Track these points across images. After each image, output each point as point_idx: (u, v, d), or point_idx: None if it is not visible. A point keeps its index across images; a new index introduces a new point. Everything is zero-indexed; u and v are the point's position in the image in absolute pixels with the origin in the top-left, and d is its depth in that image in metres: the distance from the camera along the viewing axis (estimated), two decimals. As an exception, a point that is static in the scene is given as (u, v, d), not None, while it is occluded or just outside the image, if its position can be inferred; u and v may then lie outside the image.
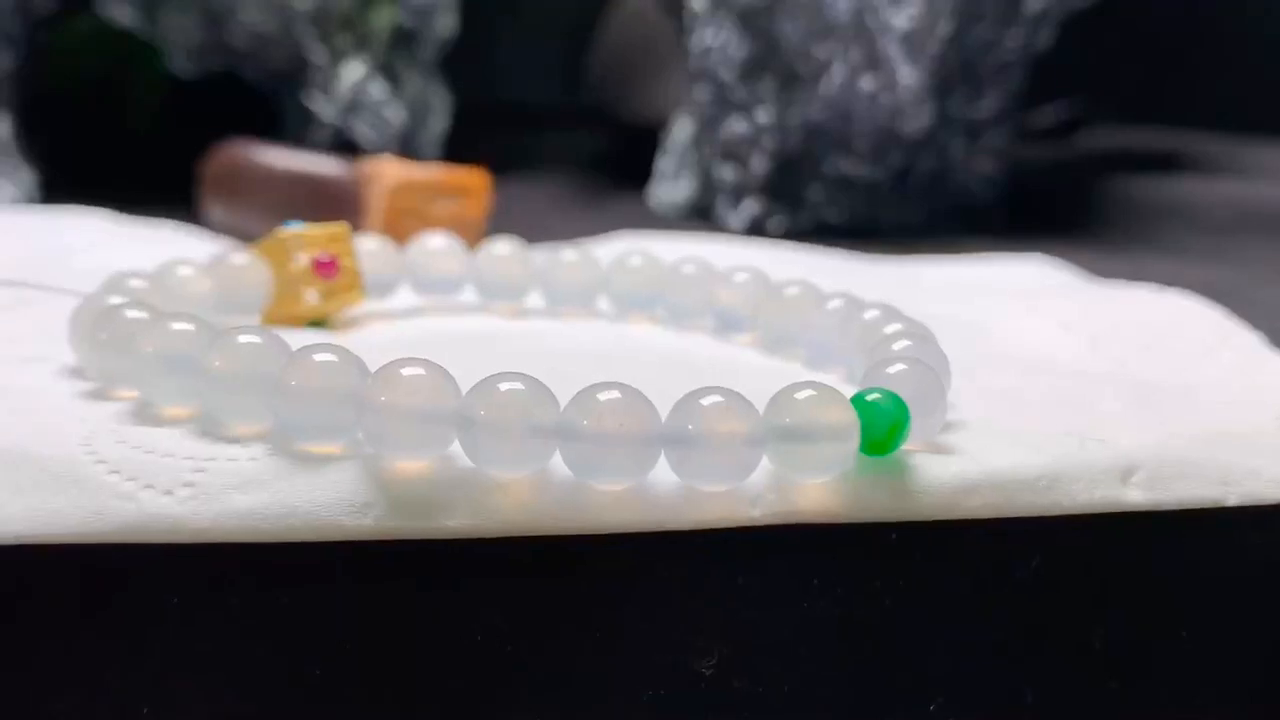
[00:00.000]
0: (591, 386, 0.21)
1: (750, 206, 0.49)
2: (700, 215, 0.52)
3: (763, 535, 0.22)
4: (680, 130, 0.54)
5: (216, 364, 0.23)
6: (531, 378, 0.21)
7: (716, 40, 0.48)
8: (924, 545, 0.22)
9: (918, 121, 0.47)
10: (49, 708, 0.21)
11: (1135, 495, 0.23)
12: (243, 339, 0.23)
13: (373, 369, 0.22)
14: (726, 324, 0.31)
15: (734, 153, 0.49)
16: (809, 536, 0.22)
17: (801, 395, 0.22)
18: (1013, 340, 0.32)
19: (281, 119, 0.52)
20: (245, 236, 0.41)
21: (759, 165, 0.48)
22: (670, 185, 0.54)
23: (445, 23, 0.51)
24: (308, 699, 0.21)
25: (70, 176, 0.50)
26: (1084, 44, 0.68)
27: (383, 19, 0.48)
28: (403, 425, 0.21)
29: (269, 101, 0.53)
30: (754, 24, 0.47)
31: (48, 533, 0.21)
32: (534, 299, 0.33)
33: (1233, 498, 0.23)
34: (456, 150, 0.55)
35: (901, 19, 0.45)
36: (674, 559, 0.22)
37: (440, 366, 0.22)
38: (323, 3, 0.48)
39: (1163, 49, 0.74)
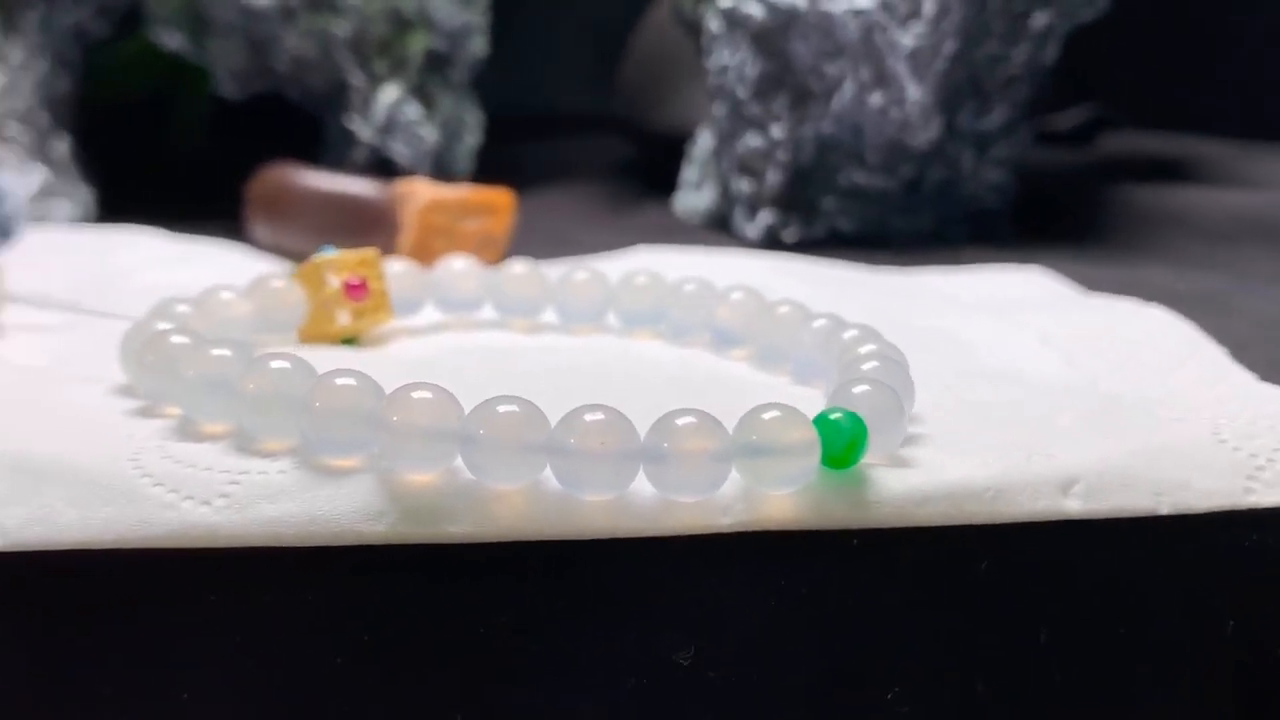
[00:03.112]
0: (579, 409, 0.24)
1: (765, 217, 0.51)
2: (719, 224, 0.54)
3: (733, 541, 0.24)
4: (703, 142, 0.56)
5: (250, 387, 0.26)
6: (526, 400, 0.24)
7: (733, 60, 0.50)
8: (882, 550, 0.25)
9: (926, 135, 0.49)
10: (100, 692, 0.24)
11: (1074, 505, 0.25)
12: (274, 365, 0.26)
13: (395, 386, 0.24)
14: (723, 339, 0.34)
15: (749, 166, 0.51)
16: (775, 542, 0.24)
17: (767, 416, 0.24)
18: (992, 354, 0.34)
19: (324, 138, 0.55)
20: (288, 254, 0.44)
21: (773, 178, 0.50)
22: (694, 194, 0.56)
23: (477, 45, 0.54)
24: (330, 685, 0.24)
25: (123, 194, 0.53)
26: (1106, 50, 0.69)
27: (416, 44, 0.51)
28: (412, 442, 0.24)
29: (313, 121, 0.56)
30: (767, 44, 0.49)
31: (99, 539, 0.23)
32: (548, 315, 0.36)
33: (1164, 508, 0.25)
34: (488, 162, 0.58)
35: (908, 38, 0.47)
36: (653, 562, 0.24)
37: (446, 390, 0.24)
38: (360, 29, 0.51)
39: (1184, 54, 0.75)
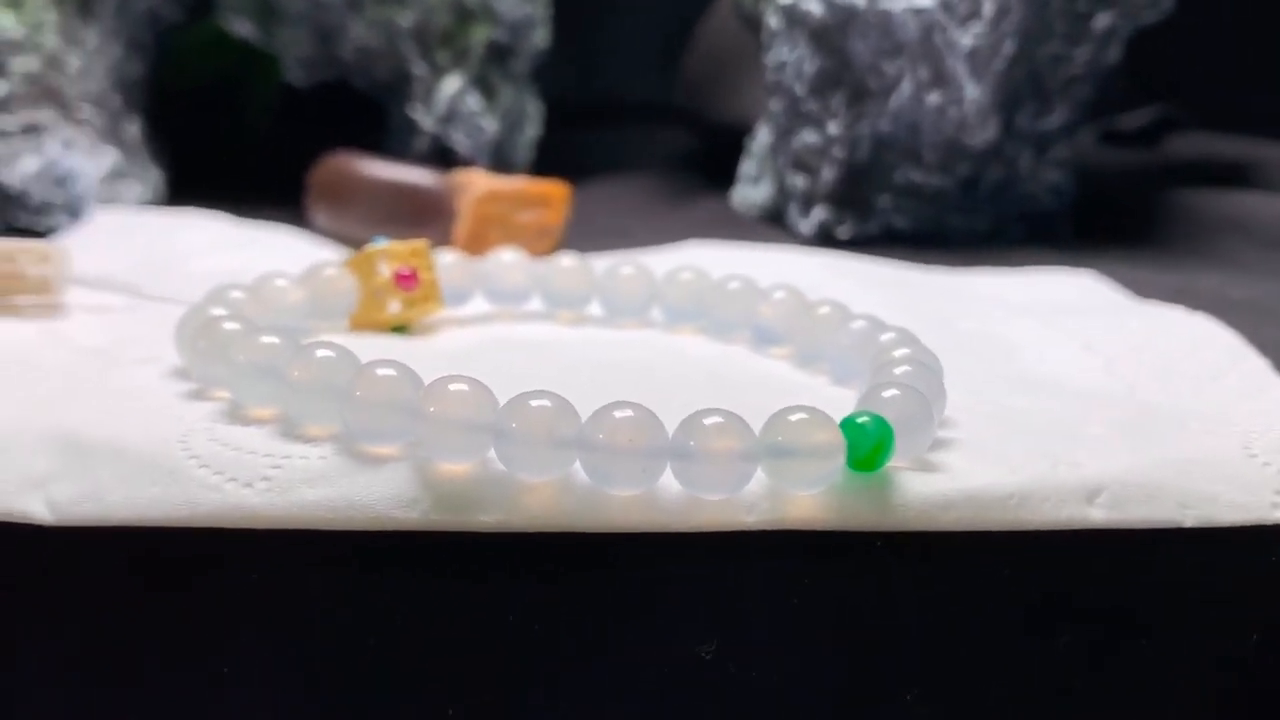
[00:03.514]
0: (609, 405, 0.24)
1: (819, 213, 0.51)
2: (775, 219, 0.54)
3: (757, 540, 0.25)
4: (762, 136, 0.57)
5: (295, 374, 0.26)
6: (558, 395, 0.25)
7: (791, 56, 0.50)
8: (905, 554, 0.25)
9: (983, 135, 0.49)
10: (142, 665, 0.25)
11: (1098, 515, 0.25)
12: (319, 353, 0.27)
13: (435, 376, 0.25)
14: (764, 338, 0.34)
15: (805, 162, 0.51)
16: (799, 542, 0.25)
17: (794, 418, 0.25)
18: (1033, 360, 0.34)
19: (388, 126, 0.56)
20: (346, 240, 0.45)
21: (828, 174, 0.51)
22: (751, 188, 0.57)
23: (539, 37, 0.55)
24: (363, 668, 0.25)
25: (192, 177, 0.55)
26: (1175, 50, 0.69)
27: (479, 35, 0.52)
28: (447, 433, 0.25)
29: (378, 109, 0.57)
30: (826, 41, 0.49)
31: (145, 517, 0.25)
32: (594, 308, 0.37)
33: (1189, 520, 0.25)
34: (550, 151, 0.58)
35: (967, 38, 0.47)
36: (678, 558, 0.25)
37: (481, 383, 0.25)
38: (424, 20, 0.51)
39: (1254, 55, 0.74)
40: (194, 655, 0.25)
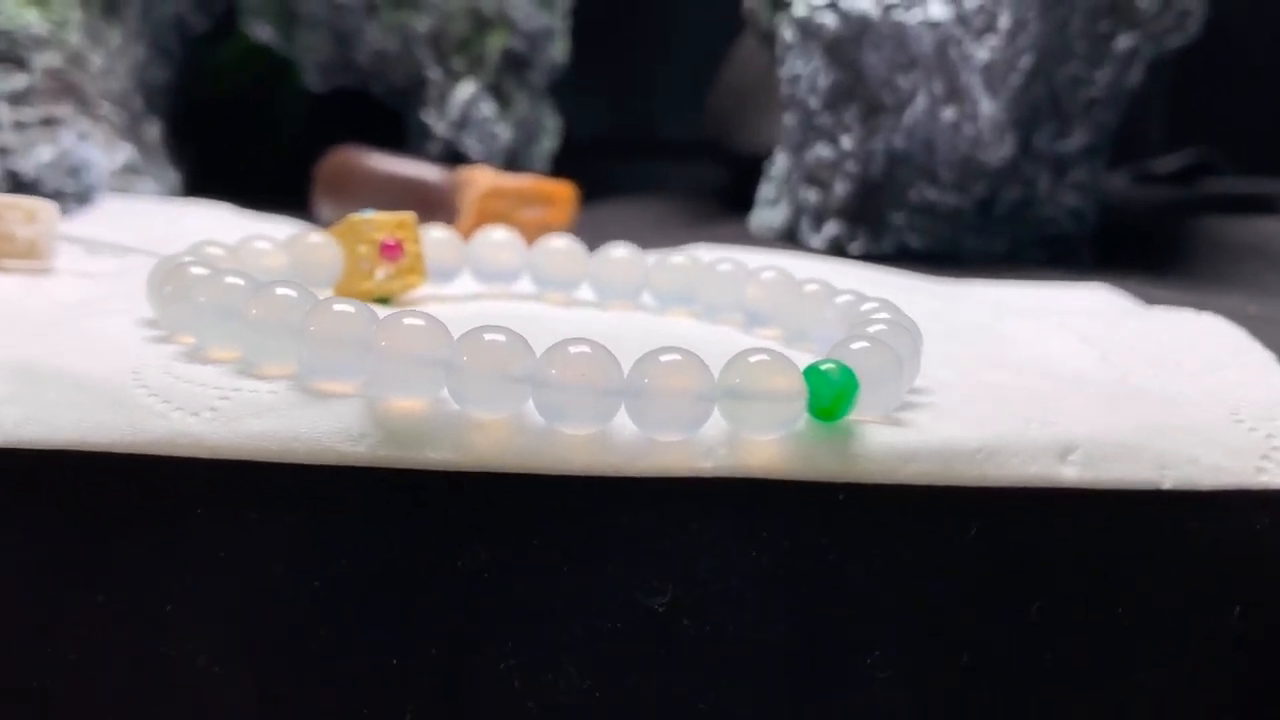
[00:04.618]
0: (563, 340, 0.24)
1: (831, 228, 0.50)
2: (790, 237, 0.54)
3: (714, 487, 0.24)
4: (780, 160, 0.56)
5: (253, 312, 0.26)
6: (513, 331, 0.24)
7: (805, 69, 0.50)
8: (868, 507, 0.24)
9: (999, 152, 0.48)
10: (83, 600, 0.24)
11: (1070, 473, 0.24)
12: (278, 291, 0.26)
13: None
14: (753, 319, 0.34)
15: (817, 177, 0.51)
16: (758, 490, 0.24)
17: (754, 359, 0.24)
18: (1027, 348, 0.33)
19: (404, 133, 0.56)
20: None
21: (841, 189, 0.50)
22: (769, 210, 0.56)
23: (556, 49, 0.55)
24: (306, 608, 0.24)
25: (210, 180, 0.55)
26: (1217, 90, 0.68)
27: (495, 43, 0.52)
28: (399, 367, 0.24)
29: (396, 117, 0.57)
30: (840, 54, 0.49)
31: (90, 442, 0.24)
32: (584, 291, 0.36)
33: (1168, 481, 0.24)
34: (569, 171, 0.58)
35: (983, 52, 0.47)
36: (632, 503, 0.24)
37: (438, 320, 0.25)
38: (440, 26, 0.52)
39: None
40: (138, 586, 0.24)
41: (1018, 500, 0.24)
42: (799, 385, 0.24)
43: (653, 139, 0.82)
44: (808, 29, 0.49)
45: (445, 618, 0.24)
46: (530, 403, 0.24)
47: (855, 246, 0.50)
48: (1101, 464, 0.24)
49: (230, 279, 0.27)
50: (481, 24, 0.52)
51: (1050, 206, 0.51)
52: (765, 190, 0.57)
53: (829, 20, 0.48)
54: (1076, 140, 0.51)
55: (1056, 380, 0.29)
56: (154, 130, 0.53)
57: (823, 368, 0.24)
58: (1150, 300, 0.41)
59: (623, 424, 0.24)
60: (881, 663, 0.24)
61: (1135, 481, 0.24)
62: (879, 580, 0.24)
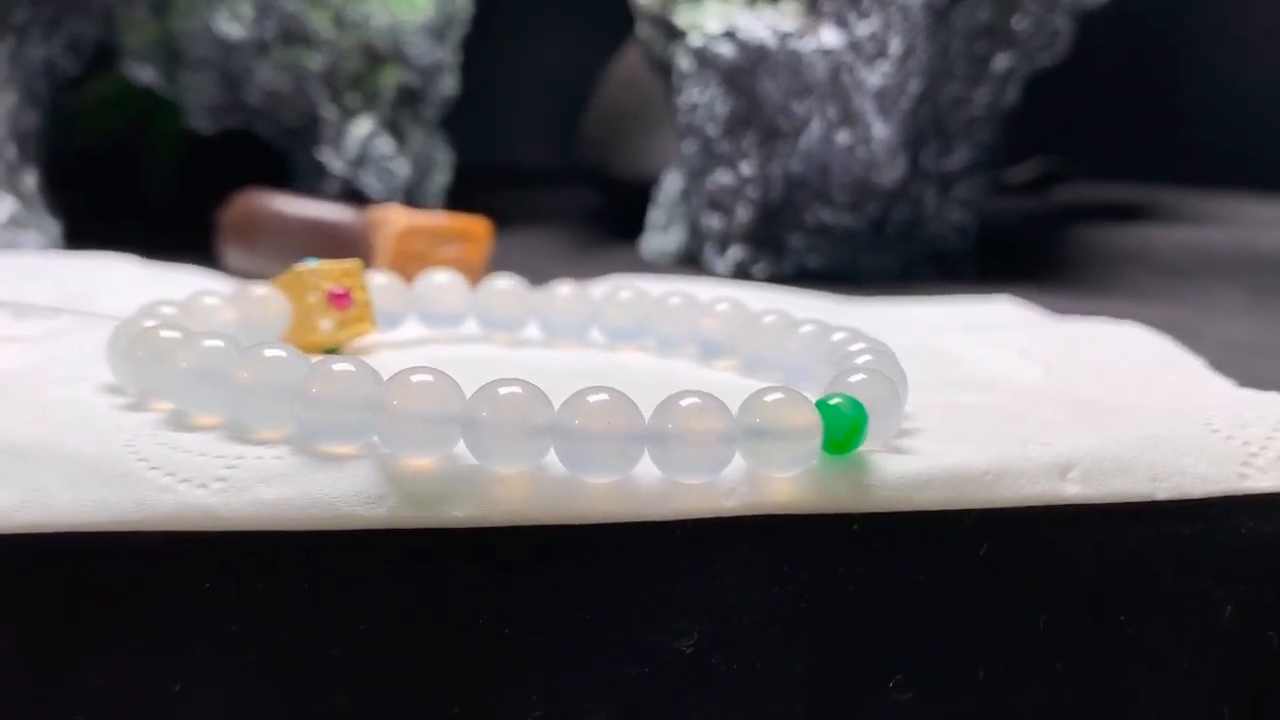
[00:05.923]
0: (582, 390, 0.24)
1: (735, 253, 0.51)
2: (689, 262, 0.55)
3: (737, 525, 0.24)
4: (671, 185, 0.57)
5: (243, 376, 0.25)
6: (529, 383, 0.24)
7: (703, 98, 0.51)
8: (883, 535, 0.25)
9: (891, 173, 0.50)
10: (90, 681, 0.23)
11: (1072, 489, 0.25)
12: (268, 353, 0.26)
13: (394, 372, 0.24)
14: (709, 351, 0.34)
15: (719, 203, 0.52)
16: (779, 526, 0.24)
17: (770, 398, 0.24)
18: (974, 366, 0.34)
19: (292, 172, 0.55)
20: (261, 279, 0.44)
21: (743, 214, 0.51)
22: (660, 236, 0.57)
23: (447, 83, 0.54)
24: (326, 674, 0.24)
25: (93, 228, 0.53)
26: (1061, 101, 0.71)
27: (389, 79, 0.51)
28: (413, 426, 0.24)
29: (281, 156, 0.56)
30: (737, 83, 0.50)
31: (94, 522, 0.23)
32: (531, 331, 0.36)
33: (1162, 493, 0.25)
34: (458, 204, 0.58)
35: (875, 77, 0.48)
36: (657, 547, 0.24)
37: (446, 374, 0.24)
38: (333, 63, 0.51)
39: (1134, 106, 0.77)
40: (145, 665, 0.23)
41: (1021, 518, 0.25)
42: (815, 421, 0.24)
43: (516, 167, 0.82)
44: (704, 58, 0.50)
45: (467, 673, 0.24)
46: (552, 454, 0.24)
47: (759, 269, 0.51)
48: (1099, 479, 0.25)
49: (209, 341, 0.26)
50: (375, 60, 0.51)
51: (937, 224, 0.53)
52: (655, 215, 0.58)
53: (726, 50, 0.49)
54: (959, 158, 0.53)
55: (1020, 397, 0.30)
56: (31, 180, 0.50)
57: (832, 402, 0.25)
58: (1050, 310, 0.43)
59: (644, 470, 0.24)
60: (903, 684, 0.25)
61: (1132, 494, 0.25)
62: (896, 604, 0.25)
